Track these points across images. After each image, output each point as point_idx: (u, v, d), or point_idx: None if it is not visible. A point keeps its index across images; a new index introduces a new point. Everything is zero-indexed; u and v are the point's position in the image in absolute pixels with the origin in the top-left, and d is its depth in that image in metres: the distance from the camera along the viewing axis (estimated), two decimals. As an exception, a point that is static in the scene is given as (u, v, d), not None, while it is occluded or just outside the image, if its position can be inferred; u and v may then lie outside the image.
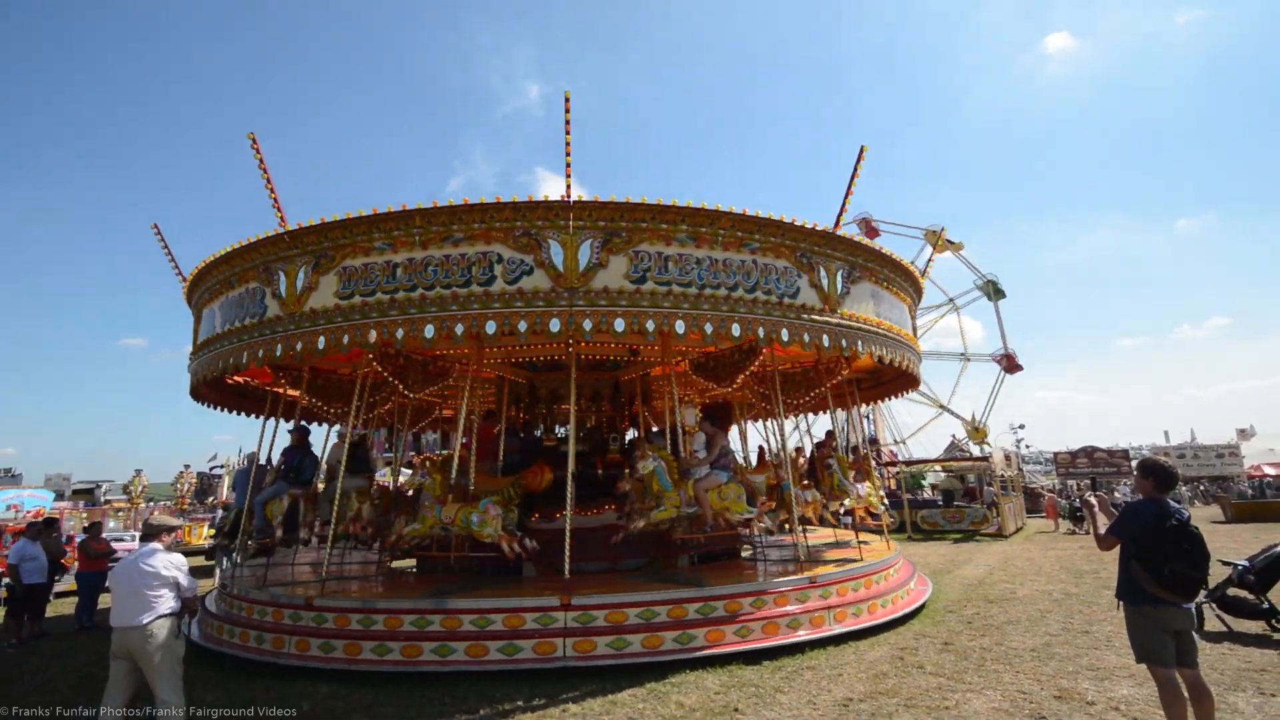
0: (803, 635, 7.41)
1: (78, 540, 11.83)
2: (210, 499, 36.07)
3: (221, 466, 41.77)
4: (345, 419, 10.12)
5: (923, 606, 9.16)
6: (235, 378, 10.84)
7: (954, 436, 43.00)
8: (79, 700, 6.38)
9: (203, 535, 21.16)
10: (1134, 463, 38.61)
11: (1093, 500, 4.76)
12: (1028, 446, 49.52)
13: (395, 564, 11.25)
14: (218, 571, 12.42)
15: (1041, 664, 6.51)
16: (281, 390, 10.64)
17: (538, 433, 12.11)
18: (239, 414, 12.22)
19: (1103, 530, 4.47)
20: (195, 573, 5.44)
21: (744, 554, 10.98)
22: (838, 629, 7.67)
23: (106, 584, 10.74)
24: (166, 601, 4.81)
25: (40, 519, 11.31)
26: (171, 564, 4.92)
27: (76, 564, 10.91)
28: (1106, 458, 39.41)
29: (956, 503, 23.71)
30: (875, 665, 6.63)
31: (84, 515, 22.80)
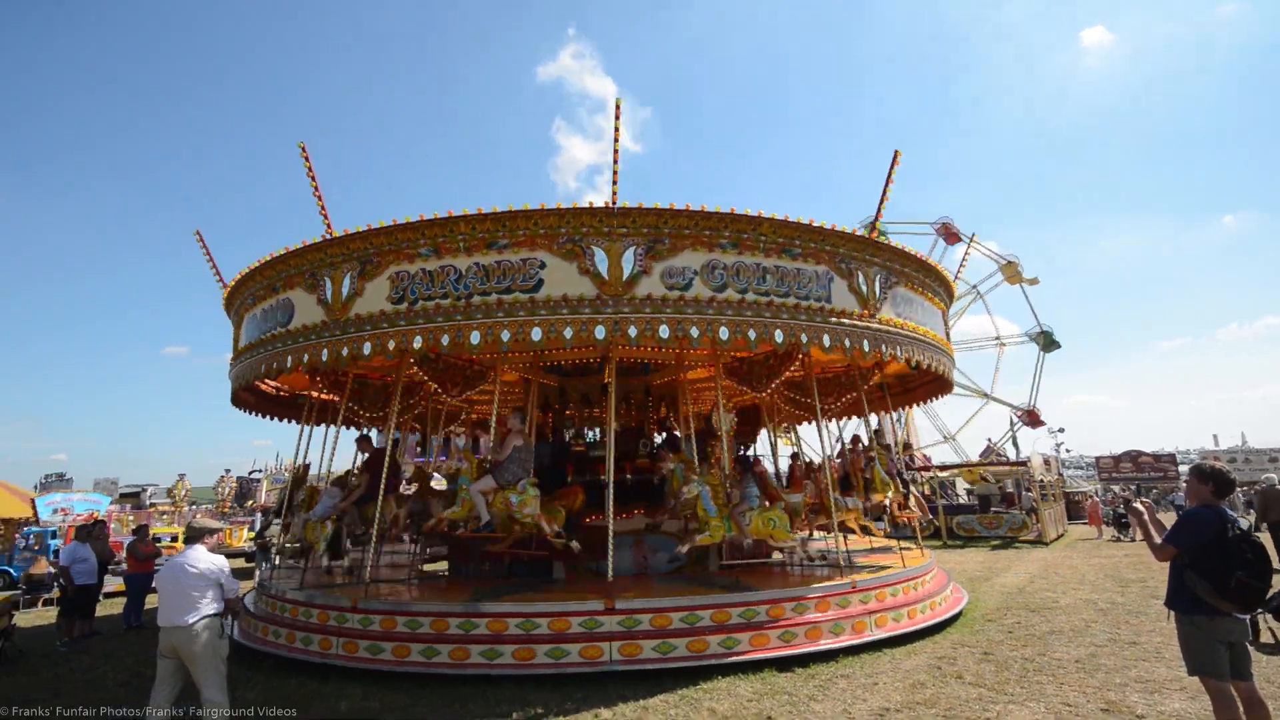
0: (845, 640, 7.32)
1: (126, 542, 12.26)
2: (249, 502, 37.06)
3: (260, 471, 42.95)
4: (379, 423, 10.32)
5: (960, 614, 8.95)
6: (273, 384, 11.15)
7: (989, 440, 41.87)
8: (128, 697, 6.60)
9: (242, 538, 21.73)
10: (1182, 468, 37.19)
11: (1140, 507, 4.59)
12: (1068, 451, 48.02)
13: (427, 567, 11.39)
14: (257, 573, 12.77)
15: (1087, 676, 6.29)
16: (317, 396, 10.87)
17: (566, 437, 12.17)
18: (277, 419, 12.53)
19: (1158, 539, 4.29)
20: (235, 574, 5.58)
21: (774, 557, 10.86)
22: (878, 634, 7.55)
23: (153, 584, 11.16)
24: (210, 602, 4.95)
25: (90, 522, 11.76)
26: (215, 565, 5.06)
27: (125, 565, 11.29)
28: (1152, 462, 38.02)
29: (994, 508, 23.08)
30: (912, 674, 6.48)
31: (131, 518, 23.66)
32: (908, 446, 34.99)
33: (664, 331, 7.38)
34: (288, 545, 10.10)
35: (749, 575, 8.75)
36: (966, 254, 18.77)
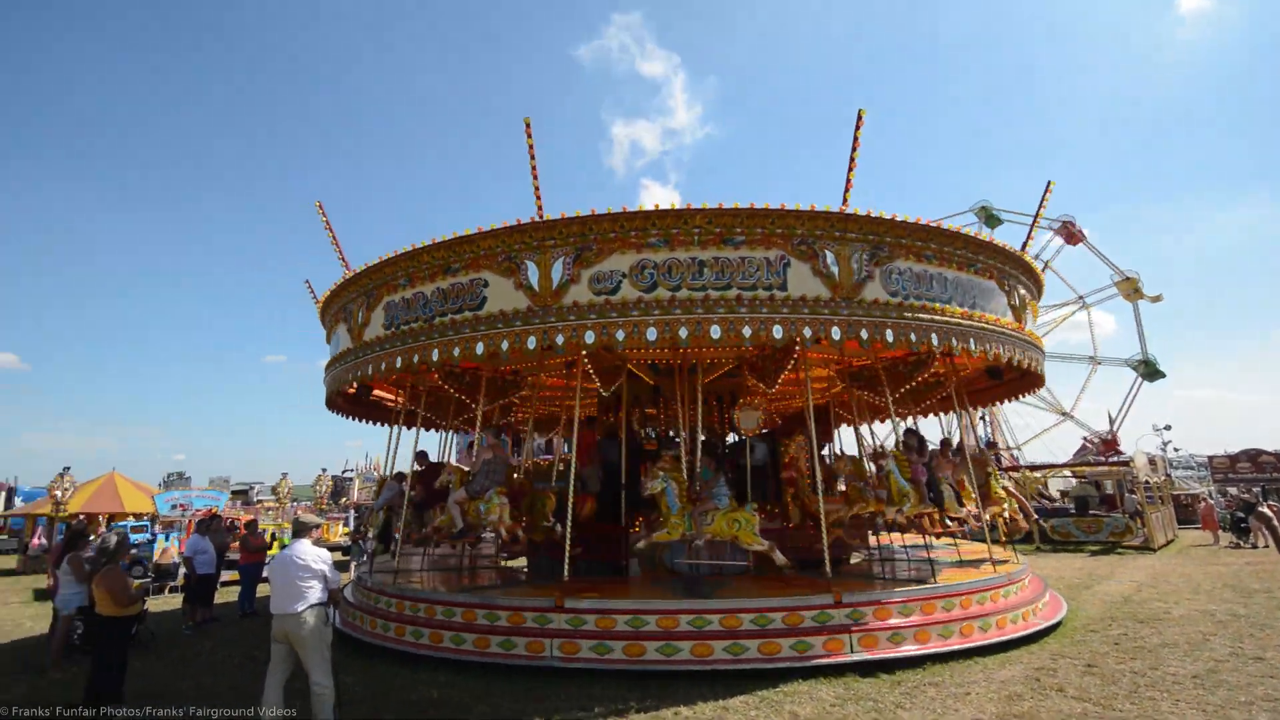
0: (925, 648, 7.08)
1: (240, 536, 13.32)
2: (343, 499, 39.41)
3: (352, 470, 45.68)
4: (457, 426, 10.75)
5: (1059, 624, 8.44)
6: (357, 388, 11.83)
7: (1085, 440, 39.00)
8: (244, 677, 7.20)
9: (338, 533, 23.15)
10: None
11: (1268, 512, 4.20)
12: (1175, 450, 44.03)
13: (506, 563, 11.79)
14: (353, 565, 13.60)
15: (1207, 693, 5.81)
16: (401, 401, 11.46)
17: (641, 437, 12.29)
18: (368, 422, 13.30)
19: None
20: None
21: (852, 561, 10.60)
22: (963, 644, 7.25)
23: (263, 575, 12.09)
24: (316, 592, 5.30)
25: (208, 516, 12.89)
26: (320, 558, 5.43)
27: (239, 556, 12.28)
28: (1275, 461, 34.36)
29: (1093, 511, 21.56)
30: (1007, 685, 6.18)
31: (241, 513, 25.69)
32: (993, 445, 33.18)
33: (589, 337, 7.55)
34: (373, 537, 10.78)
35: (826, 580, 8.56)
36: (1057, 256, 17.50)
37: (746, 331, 7.43)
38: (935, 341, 7.86)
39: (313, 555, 5.42)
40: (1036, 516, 18.07)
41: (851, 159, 7.85)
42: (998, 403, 14.95)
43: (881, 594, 7.57)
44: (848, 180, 7.80)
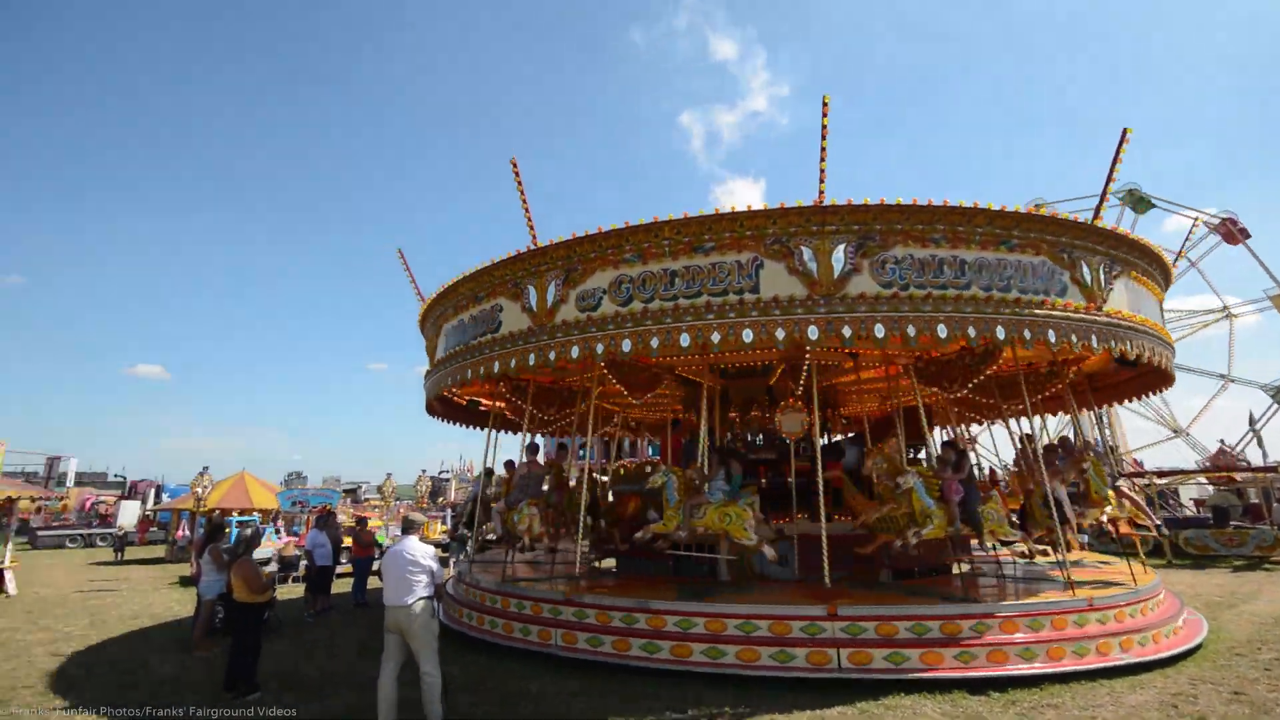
0: (1036, 668, 6.60)
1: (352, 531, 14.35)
2: (440, 499, 41.52)
3: (448, 472, 48.12)
4: (554, 429, 11.09)
5: (1199, 646, 7.64)
6: (458, 393, 12.43)
7: (1222, 442, 34.93)
8: (359, 662, 7.75)
9: (437, 530, 24.40)
10: None
11: None
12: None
13: (598, 563, 12.02)
14: (452, 562, 14.30)
15: (1388, 733, 5.09)
16: (497, 405, 11.96)
17: (729, 439, 12.20)
18: (463, 426, 13.99)
19: None
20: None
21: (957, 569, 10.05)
22: (1080, 665, 6.71)
23: (372, 568, 12.95)
24: (424, 586, 5.59)
25: (324, 513, 13.96)
26: (427, 554, 5.74)
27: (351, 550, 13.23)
28: None
29: (1235, 523, 19.32)
30: (1139, 711, 5.66)
31: (351, 511, 27.62)
32: (1113, 450, 30.38)
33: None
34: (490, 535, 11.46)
35: (924, 590, 8.16)
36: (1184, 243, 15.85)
37: (715, 338, 7.40)
38: (944, 333, 7.16)
39: (421, 551, 5.72)
40: (1164, 528, 16.42)
41: (822, 148, 7.40)
42: (1111, 404, 13.68)
43: (988, 607, 7.15)
44: (821, 172, 7.40)
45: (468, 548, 11.87)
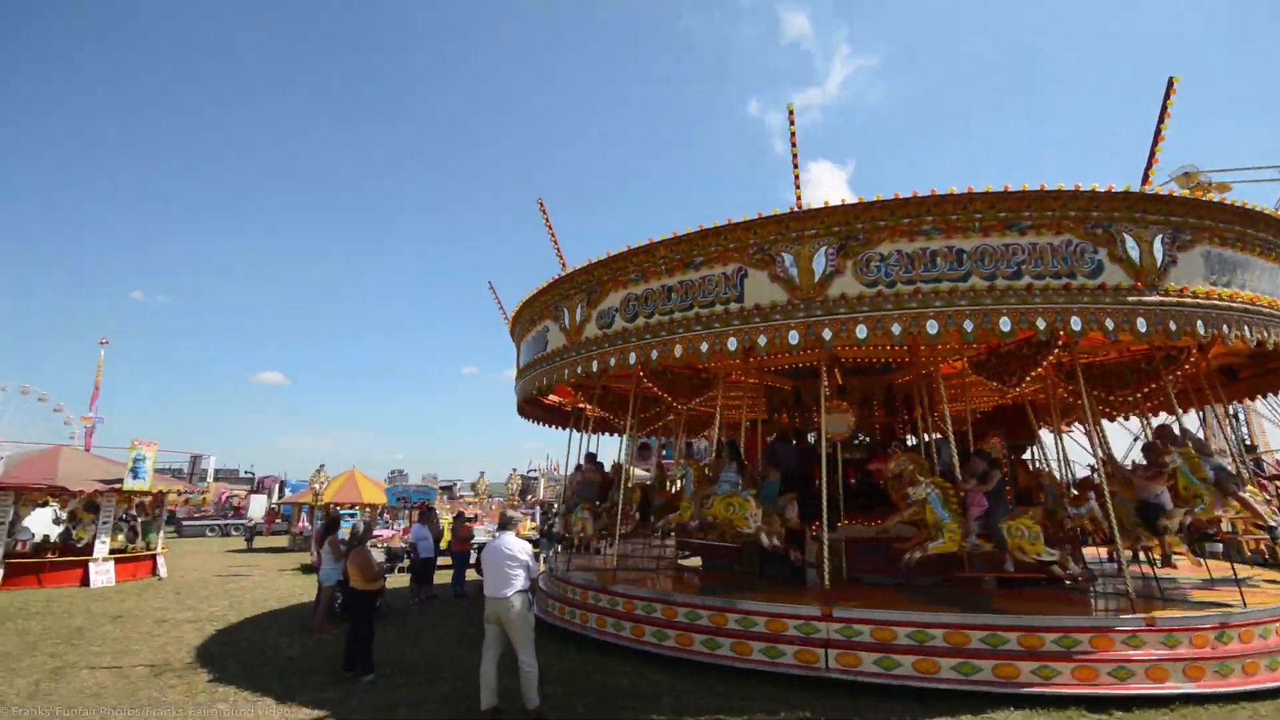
0: (1132, 688, 6.08)
1: (450, 526, 15.21)
2: (529, 496, 43.02)
3: (536, 470, 49.82)
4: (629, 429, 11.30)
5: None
6: (549, 397, 12.92)
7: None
8: (460, 651, 8.22)
9: (526, 527, 25.40)
10: None
11: None
12: None
13: (682, 561, 12.13)
14: (542, 557, 14.86)
15: None
16: (583, 407, 12.33)
17: (810, 439, 11.98)
18: (552, 427, 14.52)
19: None
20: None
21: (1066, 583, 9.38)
22: (1188, 687, 6.10)
23: (470, 561, 13.68)
24: (521, 579, 5.84)
25: (425, 509, 14.91)
26: (524, 549, 5.98)
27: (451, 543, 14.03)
28: None
29: None
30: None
31: (448, 507, 29.19)
32: (1251, 449, 27.17)
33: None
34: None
35: (1019, 601, 7.63)
36: None
37: (704, 347, 7.74)
38: (934, 328, 6.83)
39: (518, 546, 5.95)
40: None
41: (794, 156, 7.69)
42: (1245, 399, 12.25)
43: (1101, 620, 6.63)
44: (795, 178, 7.61)
45: (558, 544, 12.32)
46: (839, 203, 7.33)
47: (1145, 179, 7.01)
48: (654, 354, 8.14)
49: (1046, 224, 6.97)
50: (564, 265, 9.82)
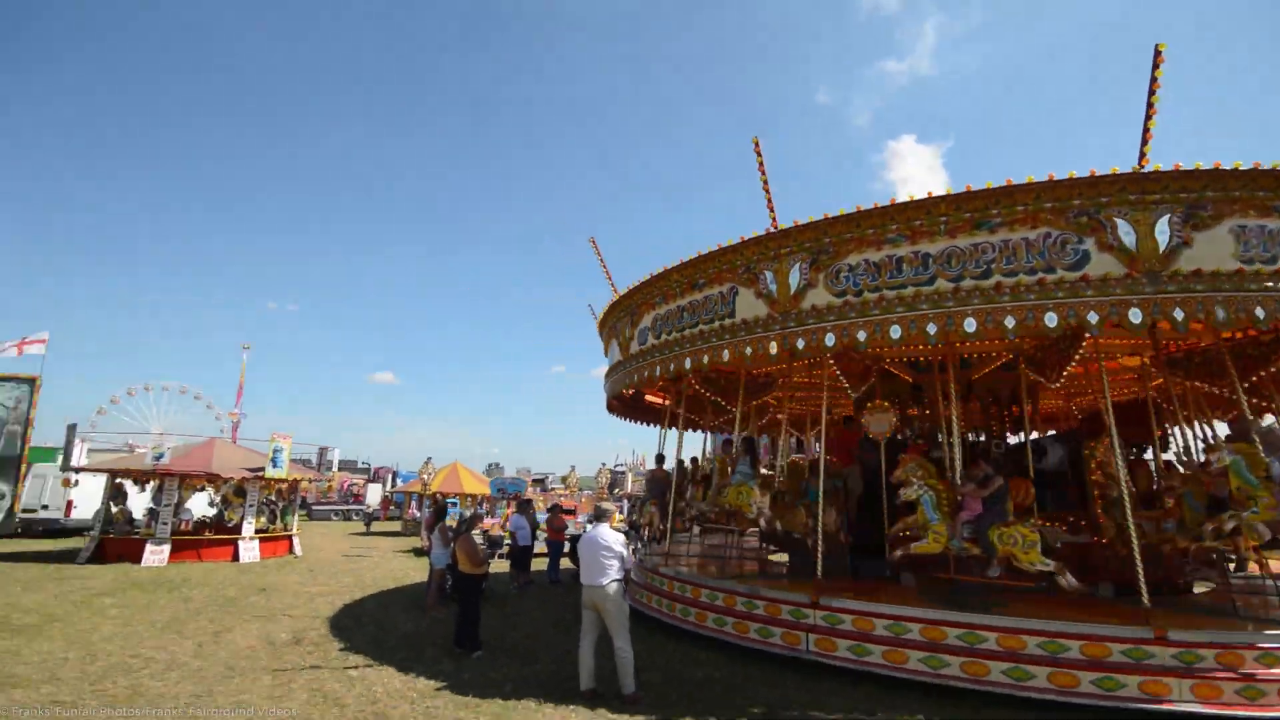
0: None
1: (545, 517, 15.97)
2: (616, 490, 44.05)
3: (623, 465, 50.89)
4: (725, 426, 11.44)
5: None
6: (635, 392, 13.27)
7: None
8: (555, 635, 8.75)
9: (615, 519, 26.09)
10: None
11: None
12: None
13: (770, 555, 12.11)
14: (632, 549, 15.32)
15: None
16: (669, 403, 12.59)
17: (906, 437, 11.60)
18: (641, 423, 14.87)
19: None
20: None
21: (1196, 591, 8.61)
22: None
23: (564, 550, 14.33)
24: (616, 569, 6.15)
25: (523, 499, 15.76)
26: (618, 540, 6.29)
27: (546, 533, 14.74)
28: None
29: None
30: None
31: (541, 498, 30.47)
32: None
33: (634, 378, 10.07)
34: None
35: (1160, 611, 7.11)
36: None
37: (705, 360, 8.63)
38: (897, 333, 7.05)
39: (612, 538, 6.26)
40: None
41: (764, 183, 8.14)
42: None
43: (1233, 635, 6.10)
44: (768, 200, 8.06)
45: (644, 535, 12.69)
46: (807, 220, 7.76)
47: (1141, 156, 6.48)
48: (672, 366, 9.24)
49: (1019, 219, 6.79)
50: (615, 290, 11.42)
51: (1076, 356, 7.20)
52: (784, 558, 11.65)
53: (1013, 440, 11.09)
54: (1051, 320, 6.49)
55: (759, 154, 8.25)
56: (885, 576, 9.05)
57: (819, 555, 7.88)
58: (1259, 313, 6.18)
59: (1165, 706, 5.69)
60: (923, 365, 10.57)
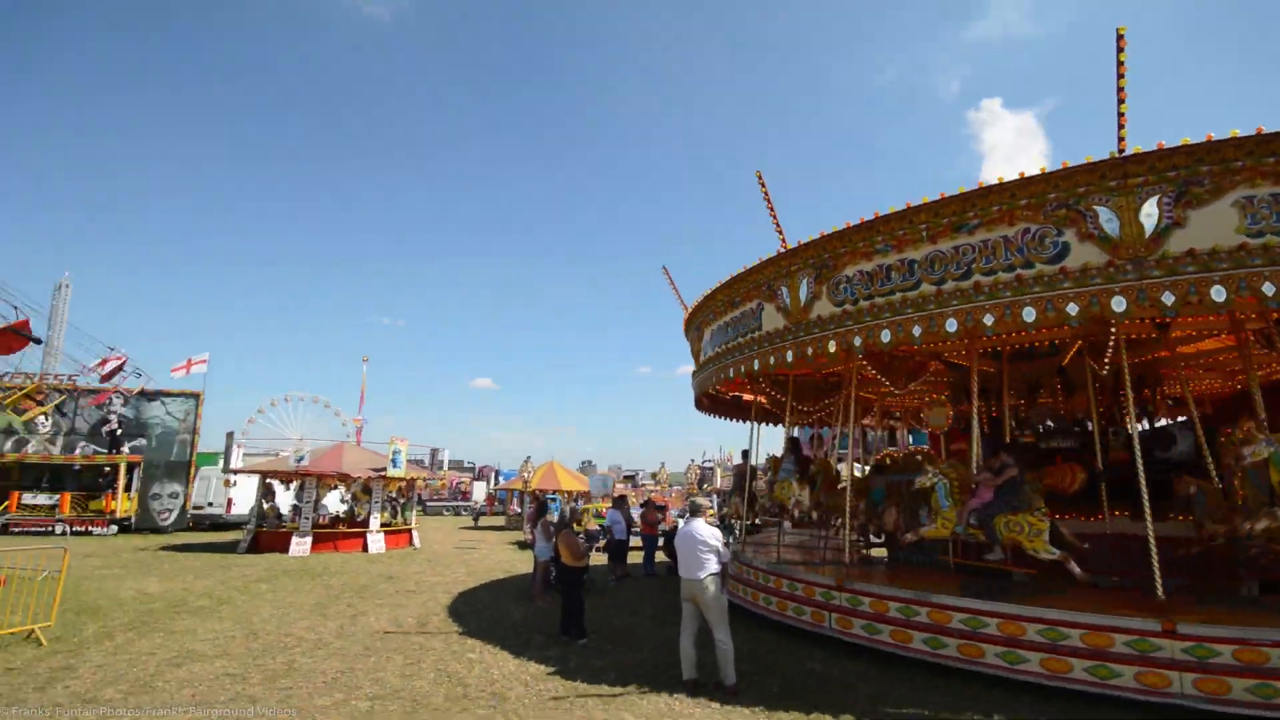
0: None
1: (639, 512, 16.42)
2: (705, 485, 44.09)
3: (711, 461, 50.93)
4: (809, 421, 11.41)
5: None
6: (721, 390, 13.39)
7: None
8: (653, 626, 9.09)
9: (709, 515, 26.31)
10: None
11: None
12: None
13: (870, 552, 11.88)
14: (727, 542, 15.46)
15: None
16: (758, 399, 12.62)
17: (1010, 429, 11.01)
18: (725, 419, 14.99)
19: None
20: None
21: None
22: None
23: (659, 544, 14.68)
24: (713, 563, 6.27)
25: (619, 495, 16.30)
26: (714, 535, 6.39)
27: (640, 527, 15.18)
28: None
29: None
30: None
31: (633, 494, 31.15)
32: None
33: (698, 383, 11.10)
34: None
35: None
36: None
37: (742, 369, 9.57)
38: (887, 337, 7.37)
39: (708, 532, 6.37)
40: None
41: (770, 210, 9.21)
42: None
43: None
44: (776, 224, 9.05)
45: (736, 529, 12.80)
46: (808, 239, 8.32)
47: (1120, 140, 6.29)
48: (721, 375, 10.34)
49: (996, 218, 6.82)
50: (684, 306, 12.42)
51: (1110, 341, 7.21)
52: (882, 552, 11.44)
53: (1140, 428, 10.27)
54: (1030, 315, 6.50)
55: (763, 184, 9.15)
56: (993, 574, 8.70)
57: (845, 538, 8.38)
58: (1267, 289, 5.64)
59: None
60: (1011, 354, 10.11)
